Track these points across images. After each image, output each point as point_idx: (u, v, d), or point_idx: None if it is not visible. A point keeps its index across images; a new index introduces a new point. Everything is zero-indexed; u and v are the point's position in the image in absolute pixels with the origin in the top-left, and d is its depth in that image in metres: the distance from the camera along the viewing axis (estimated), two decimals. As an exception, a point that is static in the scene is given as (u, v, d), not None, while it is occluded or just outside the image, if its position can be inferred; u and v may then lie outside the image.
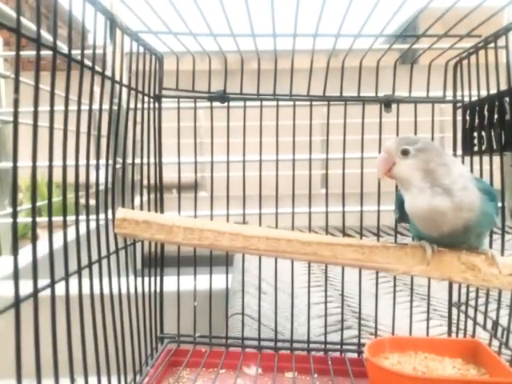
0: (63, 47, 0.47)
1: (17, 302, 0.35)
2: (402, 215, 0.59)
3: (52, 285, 0.43)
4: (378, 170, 0.55)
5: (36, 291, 0.39)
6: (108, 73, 0.58)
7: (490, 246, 0.68)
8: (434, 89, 0.80)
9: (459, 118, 0.77)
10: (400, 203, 0.58)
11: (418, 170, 0.52)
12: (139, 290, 0.72)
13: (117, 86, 0.61)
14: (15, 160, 0.37)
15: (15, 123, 0.36)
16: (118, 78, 0.60)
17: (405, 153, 0.53)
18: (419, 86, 0.80)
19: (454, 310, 0.78)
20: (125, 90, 0.66)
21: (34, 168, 0.40)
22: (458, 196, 0.51)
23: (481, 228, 0.54)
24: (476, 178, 0.56)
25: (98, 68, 0.54)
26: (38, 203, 0.44)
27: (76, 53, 0.49)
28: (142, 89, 0.70)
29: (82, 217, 0.53)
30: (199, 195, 0.83)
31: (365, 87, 0.79)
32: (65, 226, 0.49)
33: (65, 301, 0.47)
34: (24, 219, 2.11)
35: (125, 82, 0.64)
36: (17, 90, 0.34)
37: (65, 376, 0.47)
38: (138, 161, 0.71)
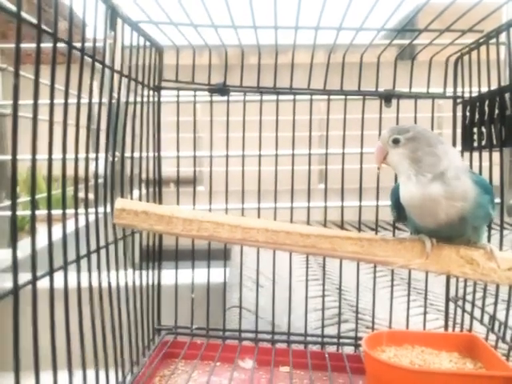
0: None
1: (15, 289, 0.35)
2: (399, 213, 0.60)
3: (51, 273, 0.43)
4: (374, 158, 0.57)
5: (35, 278, 0.39)
6: (108, 63, 0.58)
7: (488, 242, 0.68)
8: (432, 86, 0.80)
9: (459, 114, 0.77)
10: (395, 200, 0.58)
11: (407, 158, 0.53)
12: (137, 282, 0.72)
13: (116, 77, 0.60)
14: (14, 150, 0.37)
15: (15, 111, 0.36)
16: (118, 68, 0.60)
17: (395, 142, 0.54)
18: (418, 83, 0.80)
19: (451, 305, 0.79)
20: (124, 82, 0.66)
21: (34, 161, 0.40)
22: (451, 184, 0.52)
23: (476, 220, 0.54)
24: (471, 171, 0.56)
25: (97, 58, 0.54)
26: (36, 196, 0.44)
27: (77, 45, 0.49)
28: (142, 79, 0.70)
29: (81, 210, 0.53)
30: (197, 190, 0.83)
31: (364, 84, 0.79)
32: (64, 215, 0.49)
33: (63, 292, 0.47)
34: (21, 212, 2.10)
35: (125, 72, 0.64)
36: (17, 75, 0.34)
37: (63, 366, 0.47)
38: (136, 154, 0.71)
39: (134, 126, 0.69)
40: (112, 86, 0.59)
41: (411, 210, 0.55)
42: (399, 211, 0.59)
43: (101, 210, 0.59)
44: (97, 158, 0.57)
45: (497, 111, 0.64)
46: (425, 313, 0.79)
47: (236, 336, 0.80)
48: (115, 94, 0.61)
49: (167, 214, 0.55)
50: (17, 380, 0.39)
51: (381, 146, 0.56)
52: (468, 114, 0.73)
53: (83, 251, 0.53)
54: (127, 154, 0.67)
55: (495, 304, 0.69)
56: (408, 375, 0.52)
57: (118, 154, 0.71)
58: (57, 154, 0.46)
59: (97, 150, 0.57)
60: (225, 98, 0.80)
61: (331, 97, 0.79)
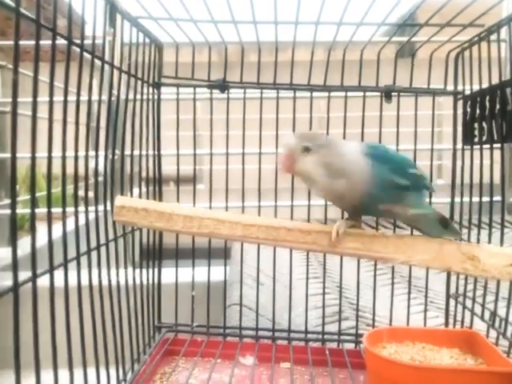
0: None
1: (15, 286, 0.35)
2: None
3: (51, 270, 0.43)
4: (280, 167, 0.55)
5: (35, 275, 0.38)
6: (107, 60, 0.57)
7: (489, 240, 0.68)
8: (432, 84, 0.80)
9: (459, 111, 0.77)
10: None
11: (320, 164, 0.53)
12: (137, 280, 0.72)
13: (116, 74, 0.60)
14: (14, 148, 0.37)
15: (14, 108, 0.36)
16: (117, 64, 0.60)
17: (306, 149, 0.54)
18: (418, 82, 0.79)
19: (452, 302, 0.79)
20: (124, 79, 0.66)
21: (34, 159, 0.40)
22: (351, 178, 0.53)
23: (382, 193, 0.54)
24: (368, 146, 0.56)
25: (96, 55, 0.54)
26: (36, 194, 0.44)
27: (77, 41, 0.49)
28: (142, 76, 0.70)
29: (81, 208, 0.53)
30: (197, 188, 0.82)
31: (364, 82, 0.79)
32: (64, 213, 0.49)
33: (63, 290, 0.46)
34: (21, 210, 2.10)
35: (124, 69, 0.64)
36: (16, 71, 0.34)
37: (63, 364, 0.47)
38: (136, 152, 0.71)
39: (133, 123, 0.69)
40: (112, 82, 0.59)
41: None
42: None
43: (101, 207, 0.59)
44: (96, 156, 0.57)
45: (498, 106, 0.64)
46: (425, 310, 0.79)
47: (236, 333, 0.80)
48: (115, 91, 0.61)
49: (167, 211, 0.55)
50: (17, 378, 0.38)
51: (288, 154, 0.54)
52: (469, 109, 0.73)
53: (83, 249, 0.53)
54: (127, 151, 0.67)
55: (496, 300, 0.69)
56: (409, 371, 0.52)
57: (117, 151, 0.71)
58: (56, 152, 0.46)
59: (96, 148, 0.57)
60: (224, 94, 0.79)
61: (331, 94, 0.79)
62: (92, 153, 0.55)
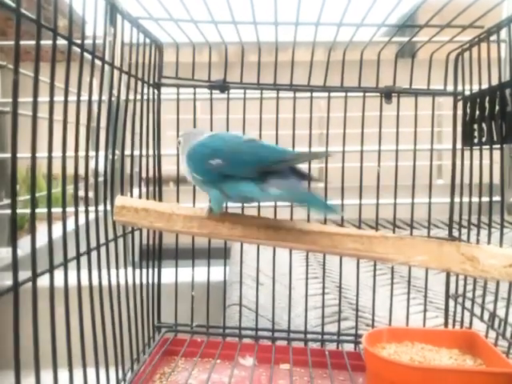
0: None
1: (15, 285, 0.35)
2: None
3: (51, 270, 0.43)
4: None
5: (35, 275, 0.38)
6: (108, 60, 0.57)
7: (488, 241, 0.68)
8: (432, 84, 0.80)
9: (459, 112, 0.77)
10: None
11: (182, 153, 0.64)
12: (137, 280, 0.72)
13: (116, 74, 0.60)
14: (14, 148, 0.37)
15: (14, 108, 0.36)
16: (117, 64, 0.60)
17: (179, 143, 0.67)
18: (418, 83, 0.79)
19: (451, 302, 0.79)
20: (124, 79, 0.66)
21: (34, 159, 0.40)
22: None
23: (195, 181, 0.61)
24: (204, 138, 0.61)
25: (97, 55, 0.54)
26: (36, 195, 0.44)
27: (77, 41, 0.49)
28: (142, 76, 0.70)
29: (81, 208, 0.53)
30: (197, 188, 0.82)
31: (365, 82, 0.79)
32: (64, 213, 0.49)
33: (63, 290, 0.47)
34: (21, 210, 2.10)
35: (124, 69, 0.64)
36: (16, 71, 0.34)
37: (63, 364, 0.47)
38: (136, 152, 0.71)
39: (133, 123, 0.69)
40: (112, 83, 0.59)
41: None
42: None
43: (101, 208, 0.59)
44: (97, 156, 0.57)
45: (497, 107, 0.64)
46: (425, 310, 0.79)
47: (236, 334, 0.80)
48: (115, 92, 0.61)
49: (167, 211, 0.55)
50: (17, 378, 0.38)
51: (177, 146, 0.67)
52: (468, 110, 0.73)
53: (83, 249, 0.53)
54: (127, 151, 0.67)
55: (495, 301, 0.69)
56: (408, 372, 0.52)
57: (117, 152, 0.71)
58: (56, 152, 0.46)
59: (97, 148, 0.57)
60: (225, 95, 0.79)
61: (331, 94, 0.79)
62: (92, 153, 0.55)
